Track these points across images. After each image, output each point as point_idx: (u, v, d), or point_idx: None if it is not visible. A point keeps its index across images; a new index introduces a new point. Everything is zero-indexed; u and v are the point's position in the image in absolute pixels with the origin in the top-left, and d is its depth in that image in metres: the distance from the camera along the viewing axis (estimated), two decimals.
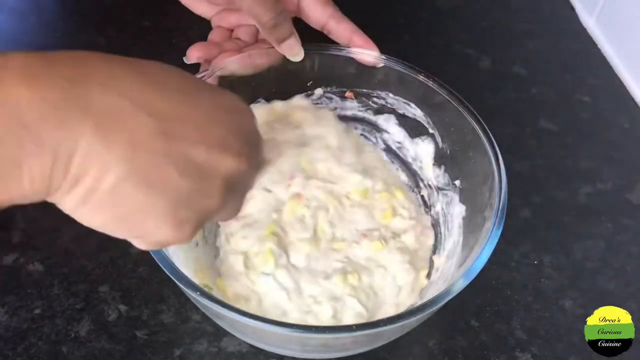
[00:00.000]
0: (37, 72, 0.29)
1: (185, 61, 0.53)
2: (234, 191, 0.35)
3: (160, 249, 0.36)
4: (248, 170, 0.35)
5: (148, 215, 0.31)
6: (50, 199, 0.30)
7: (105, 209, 0.30)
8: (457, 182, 0.53)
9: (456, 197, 0.53)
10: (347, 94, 0.58)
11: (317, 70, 0.56)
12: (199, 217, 0.33)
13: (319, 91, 0.58)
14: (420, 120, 0.56)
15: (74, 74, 0.29)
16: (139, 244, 0.34)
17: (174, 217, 0.32)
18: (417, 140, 0.57)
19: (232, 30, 0.57)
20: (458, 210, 0.52)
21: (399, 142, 0.58)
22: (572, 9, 0.80)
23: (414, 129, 0.56)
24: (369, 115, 0.58)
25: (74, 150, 0.28)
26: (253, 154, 0.36)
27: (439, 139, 0.55)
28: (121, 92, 0.30)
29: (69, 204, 0.30)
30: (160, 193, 0.31)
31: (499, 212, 0.44)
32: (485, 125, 0.49)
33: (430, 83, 0.53)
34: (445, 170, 0.55)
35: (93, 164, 0.29)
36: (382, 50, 0.54)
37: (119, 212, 0.31)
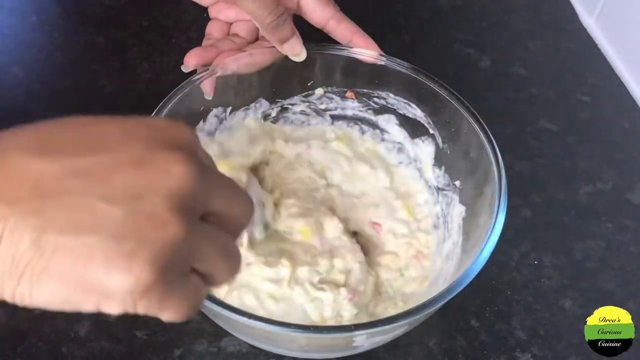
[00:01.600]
0: None
1: (184, 70, 0.52)
2: (198, 213, 0.29)
3: (139, 309, 0.28)
4: (202, 180, 0.29)
5: (89, 260, 0.26)
6: None
7: (42, 273, 0.26)
8: (457, 183, 0.53)
9: (456, 198, 0.53)
10: (348, 93, 0.58)
11: (318, 70, 0.56)
12: (152, 247, 0.26)
13: (319, 91, 0.58)
14: (421, 121, 0.55)
15: None
16: (112, 307, 0.27)
17: (118, 252, 0.26)
18: (417, 140, 0.57)
19: (230, 24, 0.57)
20: (458, 211, 0.52)
21: (399, 143, 0.58)
22: (572, 9, 0.80)
23: (415, 130, 0.56)
24: (369, 116, 0.58)
25: None
26: (198, 163, 0.29)
27: (439, 140, 0.55)
28: (6, 148, 0.27)
29: (7, 291, 0.27)
30: (91, 229, 0.26)
31: (499, 212, 0.44)
32: (485, 126, 0.49)
33: (430, 83, 0.53)
34: (446, 171, 0.55)
35: (4, 230, 0.25)
36: (382, 50, 0.54)
37: (58, 269, 0.26)
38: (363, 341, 0.43)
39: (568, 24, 0.79)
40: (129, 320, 0.50)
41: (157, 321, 0.49)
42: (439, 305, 0.41)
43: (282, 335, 0.41)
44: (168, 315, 0.29)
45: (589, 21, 0.78)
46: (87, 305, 0.27)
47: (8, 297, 0.27)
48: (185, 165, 0.28)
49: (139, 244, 0.26)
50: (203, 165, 0.29)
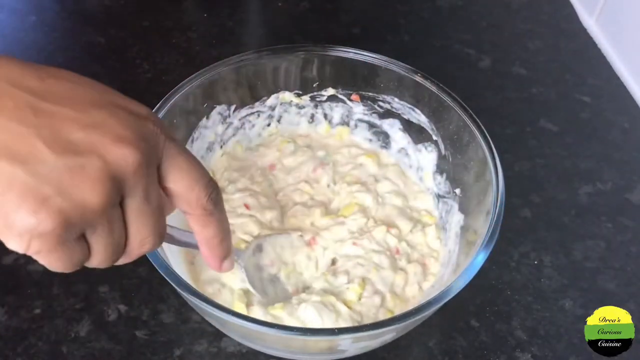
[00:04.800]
0: None
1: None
2: (134, 199, 0.31)
3: (29, 249, 0.29)
4: (144, 169, 0.31)
5: (9, 187, 0.28)
6: None
7: None
8: (458, 191, 0.53)
9: (456, 206, 0.52)
10: (353, 96, 0.58)
11: (324, 72, 0.56)
12: (67, 204, 0.29)
13: (325, 93, 0.58)
14: (425, 127, 0.55)
15: None
16: (7, 238, 0.29)
17: (35, 193, 0.28)
18: (420, 146, 0.56)
19: None
20: (456, 219, 0.51)
21: (402, 148, 0.58)
22: (572, 9, 0.80)
23: (418, 135, 0.56)
24: (374, 119, 0.58)
25: None
26: (152, 155, 0.32)
27: (442, 146, 0.54)
28: None
29: None
30: (23, 162, 0.28)
31: (494, 222, 0.44)
32: (486, 133, 0.49)
33: (435, 89, 0.52)
34: (447, 178, 0.54)
35: None
36: (382, 50, 0.54)
37: None
38: (348, 345, 0.43)
39: (568, 24, 0.79)
40: (129, 320, 0.50)
41: (157, 321, 0.50)
42: (436, 307, 0.41)
43: (265, 335, 0.40)
44: (47, 263, 0.31)
45: (589, 21, 0.78)
46: None
47: None
48: (132, 152, 0.30)
49: (58, 195, 0.28)
50: (149, 159, 0.31)
